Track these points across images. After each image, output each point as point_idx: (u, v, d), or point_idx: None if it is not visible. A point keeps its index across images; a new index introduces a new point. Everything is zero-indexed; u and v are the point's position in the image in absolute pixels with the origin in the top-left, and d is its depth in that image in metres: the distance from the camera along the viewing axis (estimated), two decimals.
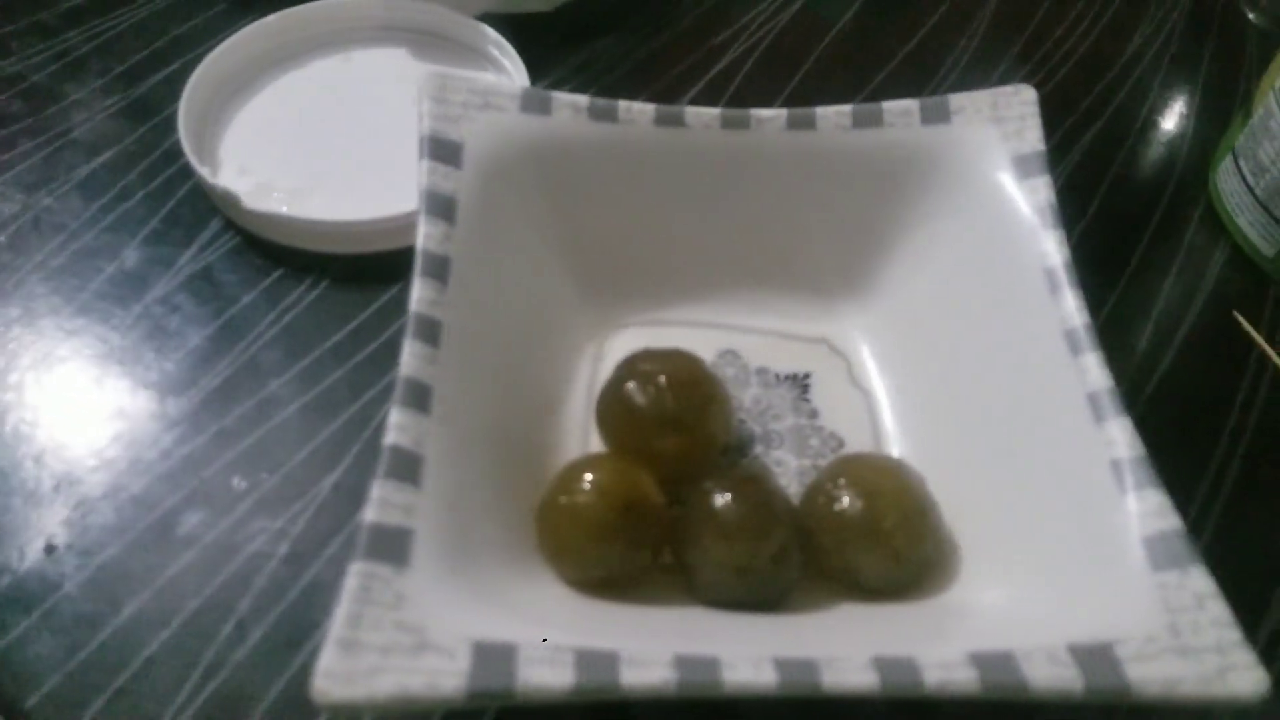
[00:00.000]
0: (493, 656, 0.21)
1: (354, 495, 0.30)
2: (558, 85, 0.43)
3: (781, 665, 0.22)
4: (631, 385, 0.29)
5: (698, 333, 0.34)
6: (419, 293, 0.27)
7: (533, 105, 0.32)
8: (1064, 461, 0.27)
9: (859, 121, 0.33)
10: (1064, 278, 0.29)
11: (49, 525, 0.29)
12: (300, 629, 0.28)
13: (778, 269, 0.35)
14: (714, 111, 0.33)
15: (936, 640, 0.24)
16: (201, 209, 0.37)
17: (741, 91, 0.43)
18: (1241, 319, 0.37)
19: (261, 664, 0.27)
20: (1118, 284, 0.38)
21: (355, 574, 0.22)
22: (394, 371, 0.25)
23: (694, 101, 0.43)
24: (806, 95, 0.44)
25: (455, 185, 0.30)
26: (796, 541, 0.27)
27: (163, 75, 0.41)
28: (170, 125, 0.38)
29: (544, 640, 0.22)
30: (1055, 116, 0.43)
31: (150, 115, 0.40)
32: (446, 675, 0.21)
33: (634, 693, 0.21)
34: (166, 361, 0.33)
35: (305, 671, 0.23)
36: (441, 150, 0.30)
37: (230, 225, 0.37)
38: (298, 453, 0.31)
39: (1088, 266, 0.38)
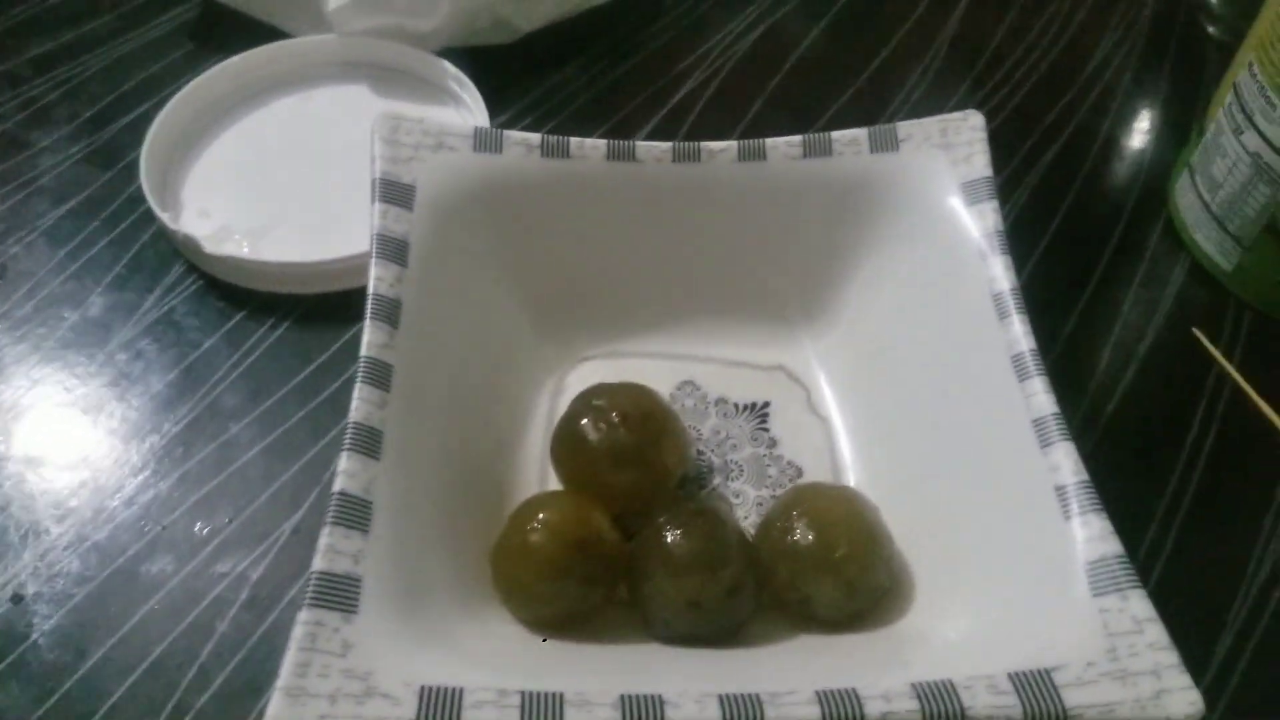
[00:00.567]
0: (439, 702, 0.22)
1: (314, 538, 0.30)
2: (519, 117, 0.43)
3: (725, 701, 0.22)
4: (584, 421, 0.29)
5: (657, 364, 0.34)
6: (369, 336, 0.28)
7: (485, 144, 0.32)
8: (1010, 488, 0.27)
9: (809, 151, 0.33)
10: (1011, 303, 0.29)
11: (16, 575, 0.30)
12: (262, 674, 0.28)
13: (734, 298, 0.35)
14: (665, 145, 0.33)
15: (885, 671, 0.24)
16: (164, 253, 0.38)
17: (700, 120, 0.44)
18: (1201, 336, 0.37)
19: (224, 710, 0.28)
20: (1079, 302, 0.38)
21: (302, 622, 0.22)
22: None
23: (654, 131, 0.43)
24: (764, 124, 0.44)
25: (407, 227, 0.30)
26: (750, 575, 0.27)
27: (128, 120, 0.42)
28: (133, 171, 0.38)
29: (489, 684, 0.22)
30: (1016, 137, 0.44)
31: (115, 161, 0.40)
32: None
33: None
34: (129, 408, 0.33)
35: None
36: (393, 192, 0.31)
37: (193, 269, 0.37)
38: (259, 496, 0.32)
39: (1049, 285, 0.38)
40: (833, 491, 0.29)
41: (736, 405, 0.34)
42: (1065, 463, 0.26)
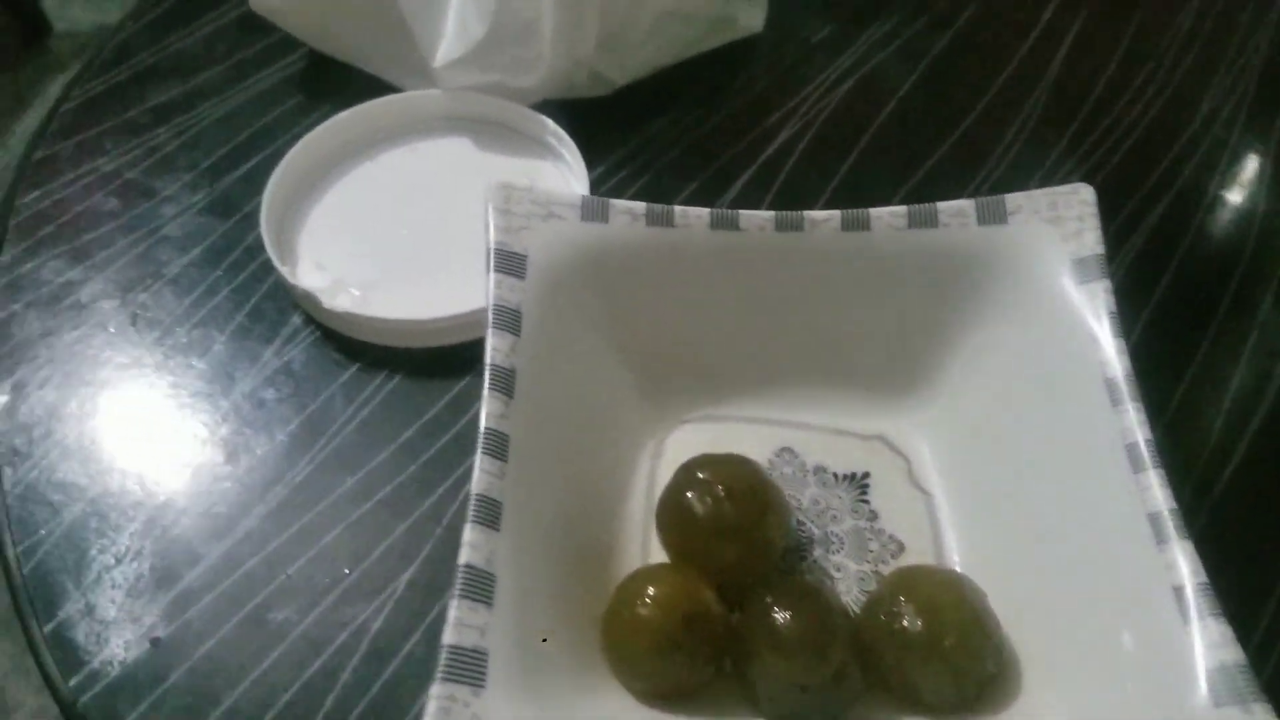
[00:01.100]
0: None
1: (429, 590, 0.32)
2: (614, 169, 0.44)
3: None
4: (690, 495, 0.30)
5: (755, 429, 0.35)
6: (488, 407, 0.29)
7: (592, 213, 0.33)
8: (1126, 583, 0.27)
9: (914, 222, 0.34)
10: (1125, 390, 0.29)
11: (154, 618, 0.31)
12: None
13: (834, 366, 0.35)
14: (768, 215, 0.34)
15: None
16: (283, 304, 0.39)
17: (795, 172, 0.44)
18: None
19: None
20: (1186, 372, 0.38)
21: (435, 697, 0.24)
22: (463, 466, 0.26)
23: (749, 183, 0.44)
24: (860, 177, 0.44)
25: (520, 296, 0.31)
26: (856, 658, 0.27)
27: (244, 170, 0.44)
28: (251, 220, 0.40)
29: None
30: (1119, 194, 0.43)
31: (233, 211, 0.42)
32: None
33: None
34: (254, 458, 0.35)
35: None
36: (507, 262, 0.32)
37: (309, 320, 0.39)
38: (375, 549, 0.33)
39: (1155, 354, 0.38)
40: (940, 576, 0.29)
41: (836, 475, 0.34)
42: (1183, 562, 0.26)
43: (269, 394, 0.37)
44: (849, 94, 0.48)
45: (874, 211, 0.34)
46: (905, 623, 0.27)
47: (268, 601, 0.32)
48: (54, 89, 1.45)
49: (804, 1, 0.50)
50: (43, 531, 0.33)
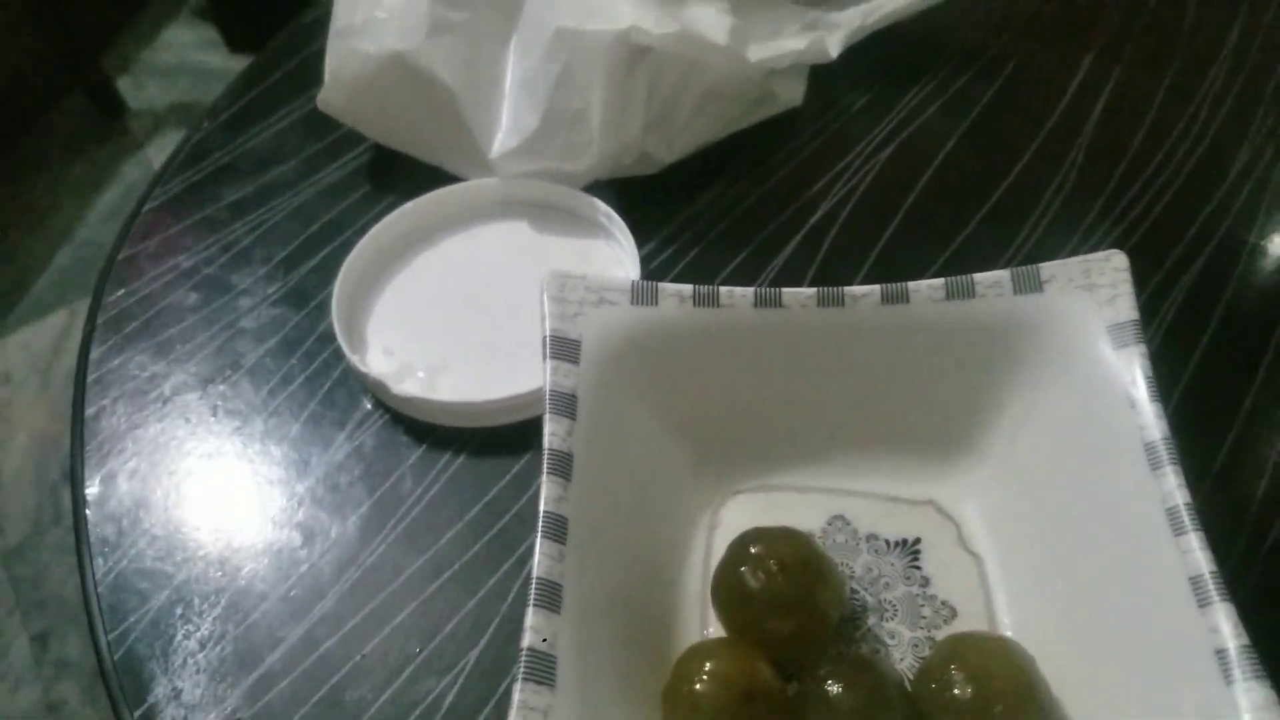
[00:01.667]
0: None
1: (497, 666, 0.33)
2: (664, 245, 0.46)
3: None
4: (743, 570, 0.31)
5: (807, 498, 0.36)
6: (546, 491, 0.30)
7: (641, 297, 0.35)
8: (1169, 647, 0.27)
9: (952, 294, 0.35)
10: (1164, 454, 0.30)
11: (233, 702, 0.33)
12: None
13: (882, 434, 0.36)
14: (810, 292, 0.35)
15: None
16: (353, 389, 0.41)
17: (838, 240, 0.46)
18: None
19: None
20: (1231, 430, 0.38)
21: None
22: (525, 543, 0.28)
23: (794, 253, 0.45)
24: (901, 243, 0.45)
25: (575, 381, 0.33)
26: None
27: (315, 261, 0.46)
28: (323, 310, 0.43)
29: None
30: (1158, 250, 0.44)
31: (306, 301, 0.45)
32: None
33: None
34: (329, 540, 0.37)
35: None
36: (562, 349, 0.33)
37: (378, 404, 0.41)
38: (444, 626, 0.35)
39: (1196, 413, 0.38)
40: (989, 644, 0.30)
41: (888, 542, 0.35)
42: (1225, 625, 0.26)
43: (342, 477, 0.39)
44: (889, 160, 0.49)
45: (912, 285, 0.35)
46: (956, 690, 0.28)
47: (344, 682, 0.34)
48: (130, 168, 1.53)
49: (843, 72, 0.52)
50: (132, 619, 0.35)
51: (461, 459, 0.39)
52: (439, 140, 0.47)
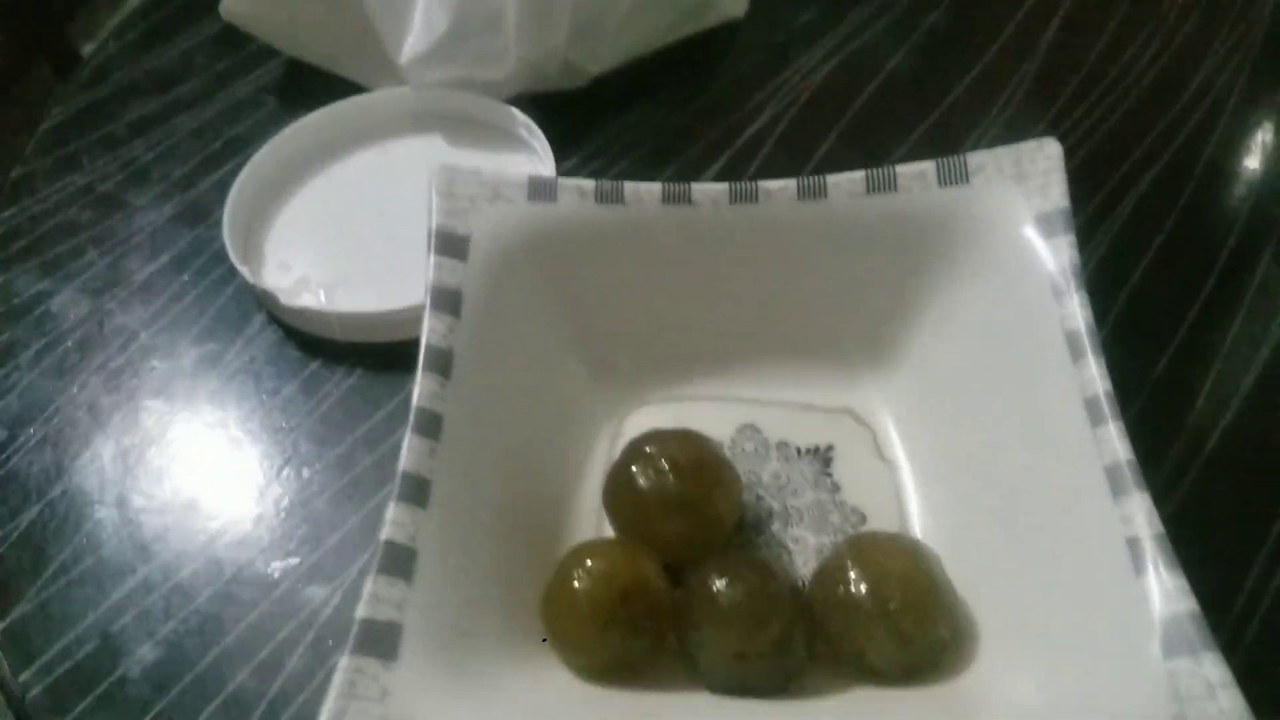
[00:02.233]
0: None
1: None
2: (585, 162, 0.44)
3: None
4: (634, 468, 0.29)
5: (718, 407, 0.34)
6: (420, 387, 0.28)
7: (539, 193, 0.33)
8: (1081, 539, 0.25)
9: (872, 187, 0.32)
10: (1086, 343, 0.28)
11: (106, 613, 0.31)
12: None
13: (798, 340, 0.34)
14: (721, 187, 0.33)
15: None
16: (246, 305, 0.39)
17: (769, 160, 0.43)
18: None
19: None
20: (1176, 335, 0.36)
21: (342, 669, 0.23)
22: None
23: (720, 174, 0.43)
24: (834, 162, 0.43)
25: (461, 278, 0.31)
26: (801, 627, 0.26)
27: (216, 177, 0.44)
28: (221, 227, 0.40)
29: None
30: (1108, 163, 0.42)
31: (203, 218, 0.42)
32: None
33: None
34: (212, 453, 0.35)
35: None
36: (448, 244, 0.31)
37: (272, 319, 0.39)
38: (328, 539, 0.33)
39: (1144, 319, 0.36)
40: (889, 542, 0.28)
41: (799, 449, 0.33)
42: (1139, 514, 0.24)
43: (230, 392, 0.37)
44: (828, 77, 0.47)
45: (831, 178, 0.33)
46: (851, 588, 0.26)
47: (218, 594, 0.31)
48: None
49: None
50: (8, 525, 0.33)
51: (356, 375, 0.37)
52: (348, 47, 0.45)
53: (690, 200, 0.33)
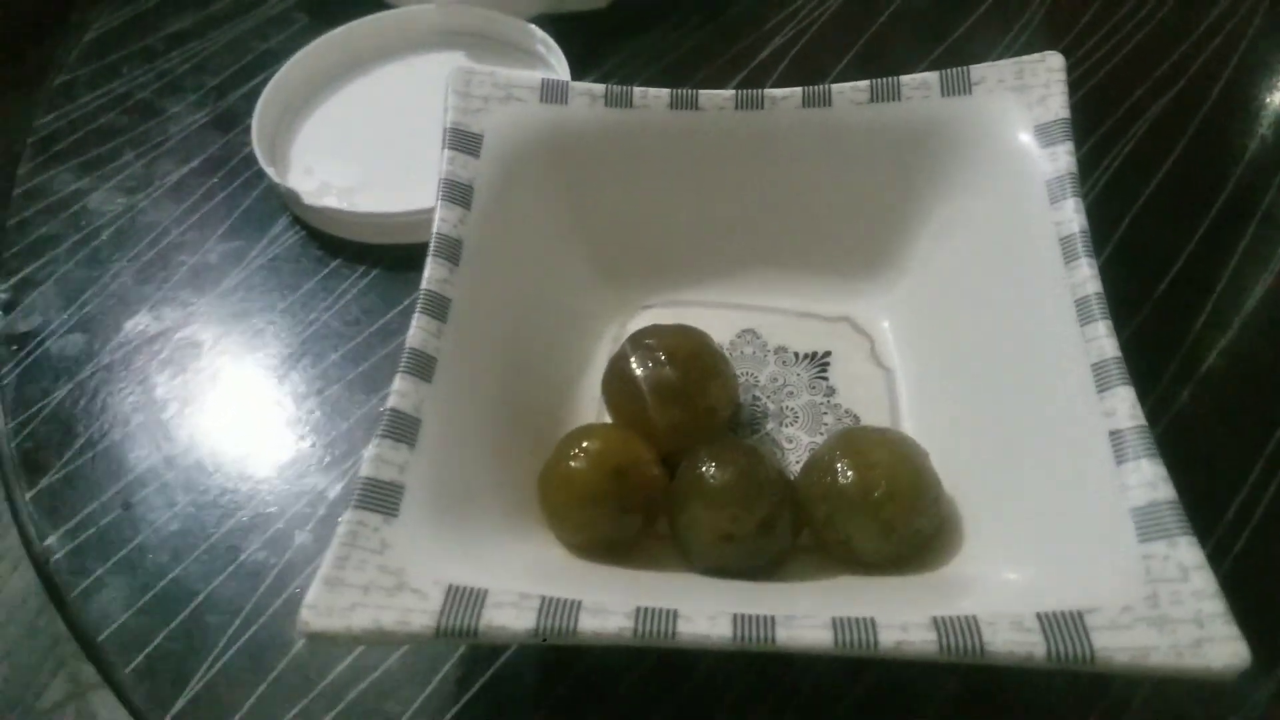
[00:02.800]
0: (463, 600, 0.23)
1: None
2: (603, 79, 0.44)
3: (738, 620, 0.22)
4: (633, 359, 0.30)
5: (719, 313, 0.35)
6: (429, 272, 0.29)
7: (551, 95, 0.33)
8: (1065, 433, 0.26)
9: (876, 96, 0.33)
10: (1080, 246, 0.28)
11: (127, 485, 0.33)
12: None
13: (801, 249, 0.35)
14: (728, 93, 0.33)
15: (914, 607, 0.24)
16: (273, 207, 0.41)
17: (779, 83, 0.43)
18: None
19: (296, 613, 0.30)
20: (1180, 255, 0.36)
21: (346, 521, 0.24)
22: None
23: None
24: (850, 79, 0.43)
25: (473, 173, 0.32)
26: (788, 512, 0.27)
27: (247, 88, 0.45)
28: (250, 133, 0.41)
29: (515, 588, 0.23)
30: (1123, 87, 0.42)
31: (234, 125, 0.44)
32: (418, 613, 0.23)
33: (590, 639, 0.22)
34: (234, 342, 0.36)
35: None
36: (461, 141, 0.32)
37: (296, 221, 0.40)
38: (342, 424, 0.34)
39: (1151, 237, 0.37)
40: (877, 435, 0.29)
41: (796, 354, 0.33)
42: (1122, 407, 0.25)
43: (253, 286, 0.38)
44: (847, 1, 0.47)
45: (836, 87, 0.33)
46: (838, 476, 0.27)
47: (233, 471, 0.33)
48: None
49: None
50: (35, 408, 0.35)
51: (372, 275, 0.38)
52: None
53: (697, 105, 0.33)
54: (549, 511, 0.28)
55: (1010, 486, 0.27)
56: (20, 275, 0.39)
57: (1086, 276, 0.28)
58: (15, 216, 0.41)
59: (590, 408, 0.32)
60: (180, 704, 0.28)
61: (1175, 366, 0.33)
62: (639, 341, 0.30)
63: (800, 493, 0.28)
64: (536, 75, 0.34)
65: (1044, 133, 0.31)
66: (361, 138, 0.42)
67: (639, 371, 0.29)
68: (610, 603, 0.23)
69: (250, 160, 0.42)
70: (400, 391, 0.27)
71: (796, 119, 0.33)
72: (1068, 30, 0.45)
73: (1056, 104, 0.31)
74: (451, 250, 0.30)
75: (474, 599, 0.23)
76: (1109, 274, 0.36)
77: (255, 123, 0.40)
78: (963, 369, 0.31)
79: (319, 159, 0.41)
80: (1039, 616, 0.22)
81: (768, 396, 0.32)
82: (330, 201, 0.39)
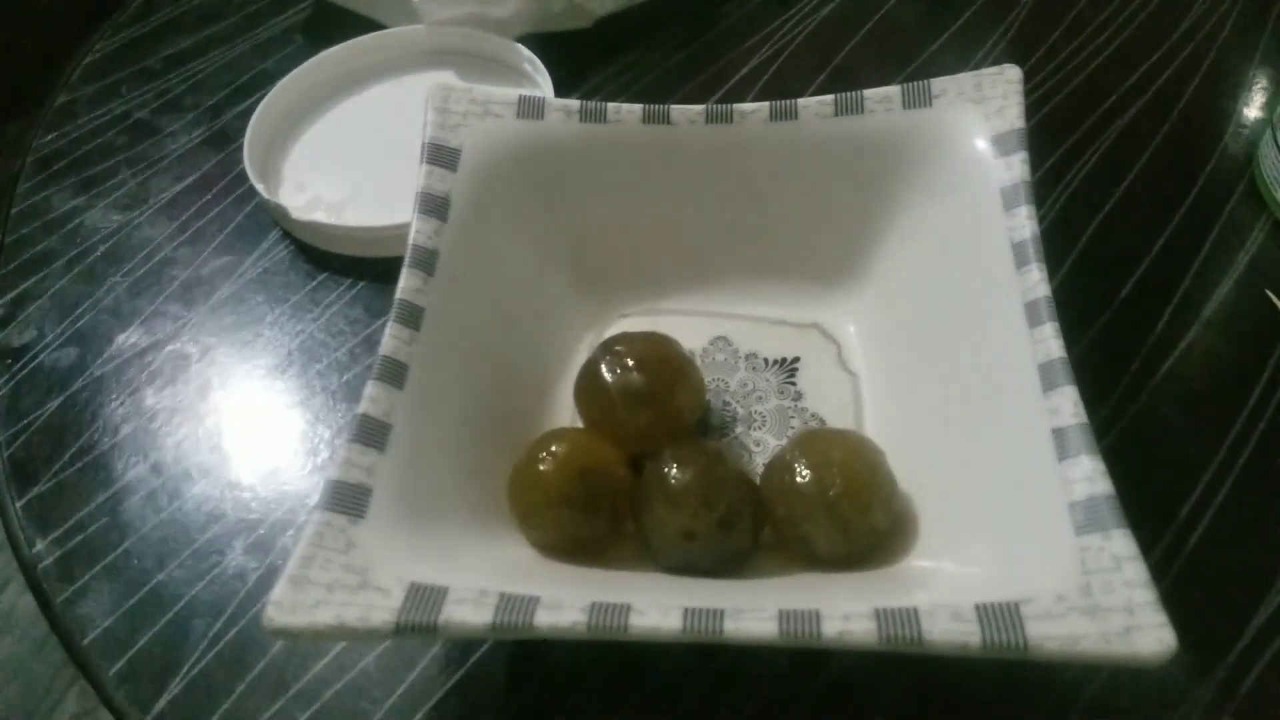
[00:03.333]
0: (424, 597, 0.24)
1: None
2: (586, 96, 0.45)
3: (689, 613, 0.23)
4: (603, 365, 0.30)
5: (693, 320, 0.35)
6: (404, 281, 0.30)
7: (528, 111, 0.35)
8: (1013, 432, 0.27)
9: (841, 109, 0.34)
10: (1030, 251, 0.29)
11: (121, 491, 0.34)
12: None
13: (772, 257, 0.36)
14: (698, 108, 0.34)
15: (860, 600, 0.24)
16: (264, 222, 0.42)
17: (757, 100, 0.45)
18: (1274, 296, 0.35)
19: None
20: (1144, 260, 0.37)
21: (313, 521, 0.25)
22: None
23: None
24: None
25: (449, 186, 0.33)
26: (749, 511, 0.28)
27: (242, 108, 0.46)
28: (243, 151, 0.43)
29: (474, 585, 0.24)
30: (1092, 99, 0.43)
31: (228, 143, 0.45)
32: (379, 610, 0.23)
33: (546, 633, 0.23)
34: (223, 353, 0.38)
35: None
36: (439, 155, 0.33)
37: (285, 236, 0.41)
38: (323, 432, 0.35)
39: (1115, 242, 0.37)
40: (836, 435, 0.29)
41: (766, 360, 0.34)
42: (1065, 405, 0.26)
43: (243, 299, 0.39)
44: (823, 21, 0.48)
45: (801, 101, 0.34)
46: (795, 477, 0.27)
47: (224, 478, 0.34)
48: None
49: None
50: (33, 414, 0.36)
51: (358, 288, 0.39)
52: None
53: (669, 120, 0.34)
54: (518, 512, 0.29)
55: (961, 484, 0.28)
56: (16, 291, 0.40)
57: (1036, 280, 0.28)
58: (13, 234, 0.42)
59: (566, 413, 0.33)
60: (160, 705, 0.29)
61: (1138, 366, 0.34)
62: (609, 348, 0.31)
63: (762, 492, 0.29)
64: (514, 91, 0.35)
65: (1000, 142, 0.32)
66: (352, 154, 0.44)
67: (608, 376, 0.30)
68: (566, 598, 0.24)
69: (243, 177, 0.43)
70: (371, 397, 0.28)
71: (764, 132, 0.34)
72: (1037, 47, 0.45)
73: (1013, 114, 0.32)
74: (426, 261, 0.31)
75: (435, 596, 0.24)
76: (1074, 277, 0.37)
77: (248, 140, 0.42)
78: (922, 372, 0.32)
79: (311, 175, 0.43)
80: (976, 607, 0.23)
81: (737, 401, 0.33)
82: (318, 216, 0.40)
